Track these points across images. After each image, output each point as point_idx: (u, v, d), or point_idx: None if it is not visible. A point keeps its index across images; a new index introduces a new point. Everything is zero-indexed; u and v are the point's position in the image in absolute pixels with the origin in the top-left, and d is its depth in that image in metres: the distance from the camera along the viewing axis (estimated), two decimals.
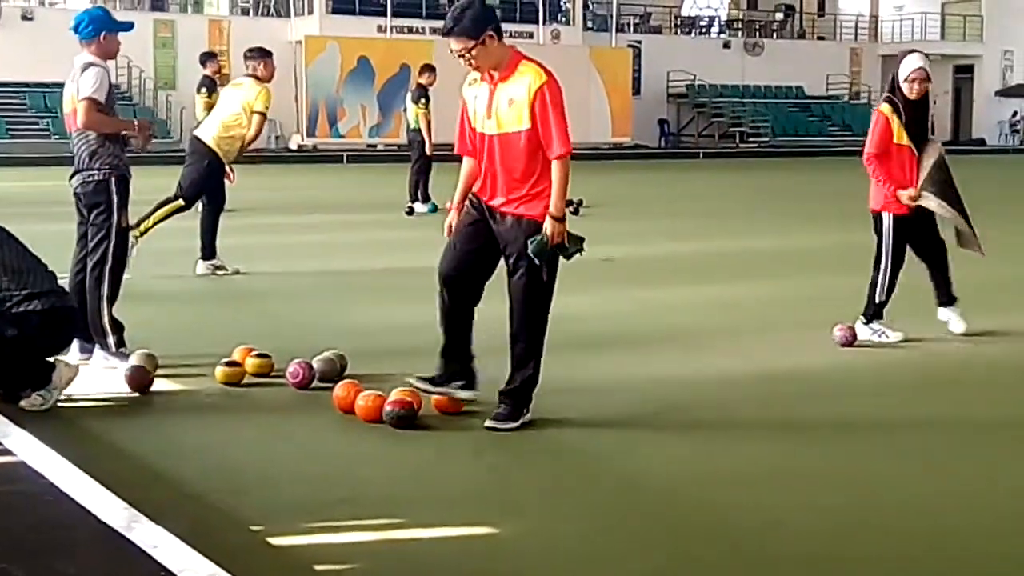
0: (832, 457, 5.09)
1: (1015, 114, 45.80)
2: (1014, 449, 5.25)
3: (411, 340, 6.99)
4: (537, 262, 5.25)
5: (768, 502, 4.47)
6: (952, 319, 7.52)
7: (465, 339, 5.49)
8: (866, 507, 4.41)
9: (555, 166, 5.26)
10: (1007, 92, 45.91)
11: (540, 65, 5.38)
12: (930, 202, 7.25)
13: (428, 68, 16.57)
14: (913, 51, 7.47)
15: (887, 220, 7.33)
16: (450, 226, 5.57)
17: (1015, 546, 4.07)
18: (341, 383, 5.67)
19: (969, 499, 4.55)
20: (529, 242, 5.22)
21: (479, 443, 5.20)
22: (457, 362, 5.48)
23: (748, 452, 5.15)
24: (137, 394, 5.82)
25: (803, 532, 4.17)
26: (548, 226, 5.23)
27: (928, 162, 7.25)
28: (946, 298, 7.54)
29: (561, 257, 5.33)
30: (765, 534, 4.14)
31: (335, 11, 34.66)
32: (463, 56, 5.31)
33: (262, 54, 9.91)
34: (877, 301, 7.40)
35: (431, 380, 5.44)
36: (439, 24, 32.53)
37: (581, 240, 5.40)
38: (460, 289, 5.44)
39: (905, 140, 7.21)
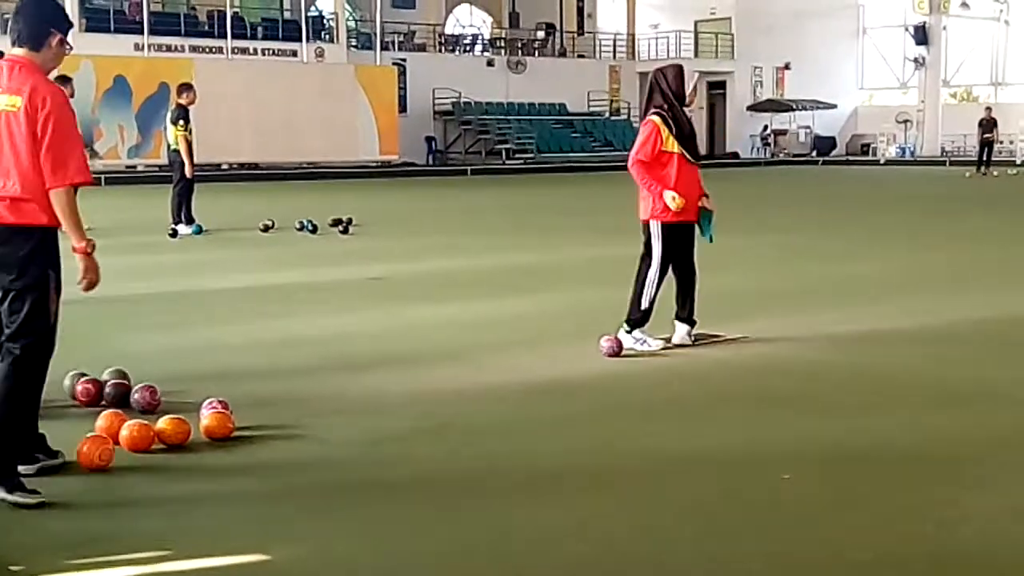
0: (600, 467, 5.17)
1: (765, 128, 47.99)
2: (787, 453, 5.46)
3: (174, 366, 6.79)
4: None
5: (546, 514, 4.51)
6: (680, 334, 7.74)
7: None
8: (639, 512, 4.49)
9: None
10: (758, 107, 48.07)
11: None
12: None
13: (187, 87, 16.18)
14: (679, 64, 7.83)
15: (656, 228, 7.57)
16: None
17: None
18: (104, 414, 5.46)
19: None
20: None
21: (248, 469, 5.08)
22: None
23: (525, 464, 5.19)
24: None
25: (579, 540, 4.22)
26: None
27: None
28: (687, 316, 7.78)
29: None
30: (543, 545, 4.17)
31: (89, 29, 33.39)
32: None
33: None
34: (642, 309, 7.61)
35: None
36: (199, 42, 31.98)
37: None
38: None
39: (676, 148, 7.50)
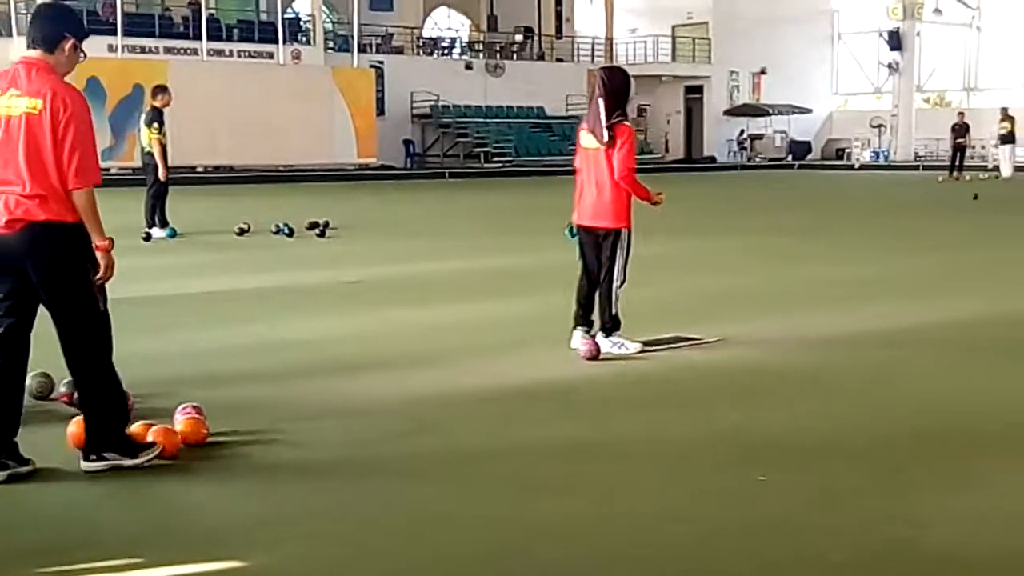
0: (584, 472, 5.16)
1: (742, 132, 48.15)
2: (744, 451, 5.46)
3: (148, 371, 6.73)
4: None
5: (529, 516, 4.49)
6: (578, 338, 7.70)
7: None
8: (604, 517, 4.48)
9: None
10: (734, 112, 48.22)
11: None
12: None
13: (161, 89, 16.09)
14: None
15: (624, 235, 7.60)
16: None
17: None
18: (76, 419, 5.40)
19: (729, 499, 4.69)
20: None
21: (224, 474, 5.04)
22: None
23: (506, 467, 5.17)
24: None
25: (558, 541, 4.20)
26: None
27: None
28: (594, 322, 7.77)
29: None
30: (526, 547, 4.15)
31: None
32: None
33: None
34: (614, 312, 7.61)
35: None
36: (173, 43, 31.89)
37: None
38: None
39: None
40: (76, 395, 5.40)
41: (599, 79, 7.61)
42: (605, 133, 7.48)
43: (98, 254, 4.99)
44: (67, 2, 5.39)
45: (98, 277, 5.00)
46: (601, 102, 7.51)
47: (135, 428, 5.29)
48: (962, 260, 13.49)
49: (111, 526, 4.44)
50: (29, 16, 5.35)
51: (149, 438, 5.20)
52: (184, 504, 4.73)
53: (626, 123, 7.55)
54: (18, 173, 4.85)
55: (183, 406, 5.59)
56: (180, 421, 5.45)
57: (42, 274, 4.90)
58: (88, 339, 5.02)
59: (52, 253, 4.90)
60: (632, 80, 7.67)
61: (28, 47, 5.02)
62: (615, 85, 7.57)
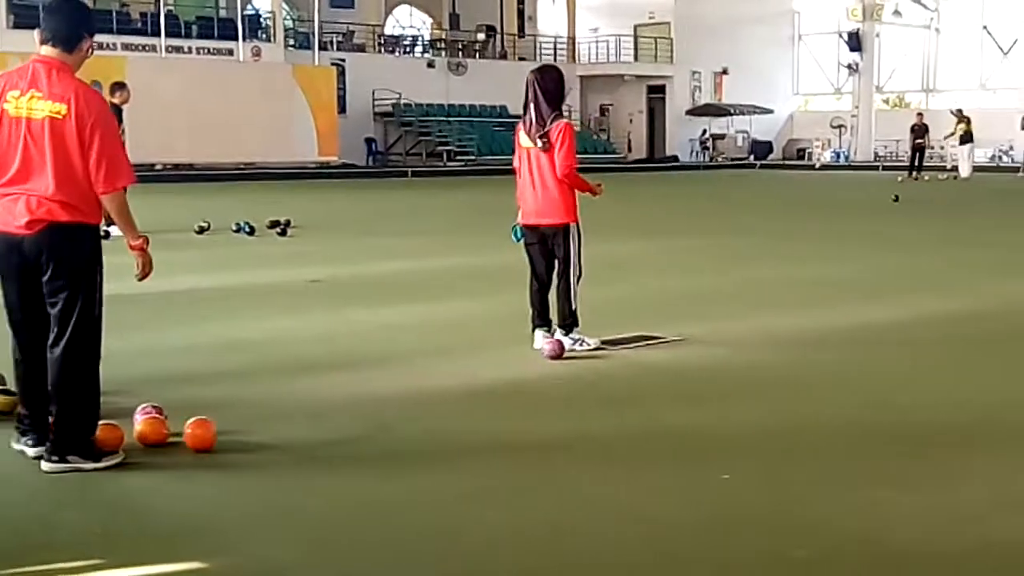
0: (547, 472, 5.15)
1: (704, 132, 48.34)
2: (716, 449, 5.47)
3: (108, 371, 6.66)
4: None
5: (494, 518, 4.47)
6: (540, 338, 7.71)
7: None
8: (566, 517, 4.48)
9: None
10: (696, 111, 48.38)
11: None
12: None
13: (120, 86, 15.91)
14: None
15: (574, 229, 7.64)
16: None
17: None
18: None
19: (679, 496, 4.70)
20: None
21: (185, 475, 5.00)
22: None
23: (469, 467, 5.15)
24: None
25: (523, 546, 4.19)
26: None
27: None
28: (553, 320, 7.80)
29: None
30: (486, 548, 4.14)
31: (17, 25, 32.84)
32: None
33: None
34: (573, 308, 7.63)
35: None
36: (131, 40, 31.50)
37: None
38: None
39: None
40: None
41: (533, 81, 7.60)
42: (542, 137, 7.51)
43: (134, 253, 5.15)
44: None
45: (138, 274, 5.19)
46: (532, 106, 7.55)
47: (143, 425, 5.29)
48: (923, 260, 13.59)
49: (70, 528, 4.39)
50: (44, 7, 5.23)
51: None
52: (145, 505, 4.68)
53: (563, 120, 7.60)
54: (43, 176, 4.86)
55: (143, 406, 5.54)
56: (139, 421, 5.40)
57: (59, 272, 4.92)
58: (83, 341, 5.01)
59: (72, 253, 4.95)
60: (565, 76, 7.74)
61: (43, 42, 4.99)
62: (549, 85, 7.59)
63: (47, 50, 4.99)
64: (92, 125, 4.87)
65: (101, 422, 5.22)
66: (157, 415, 5.45)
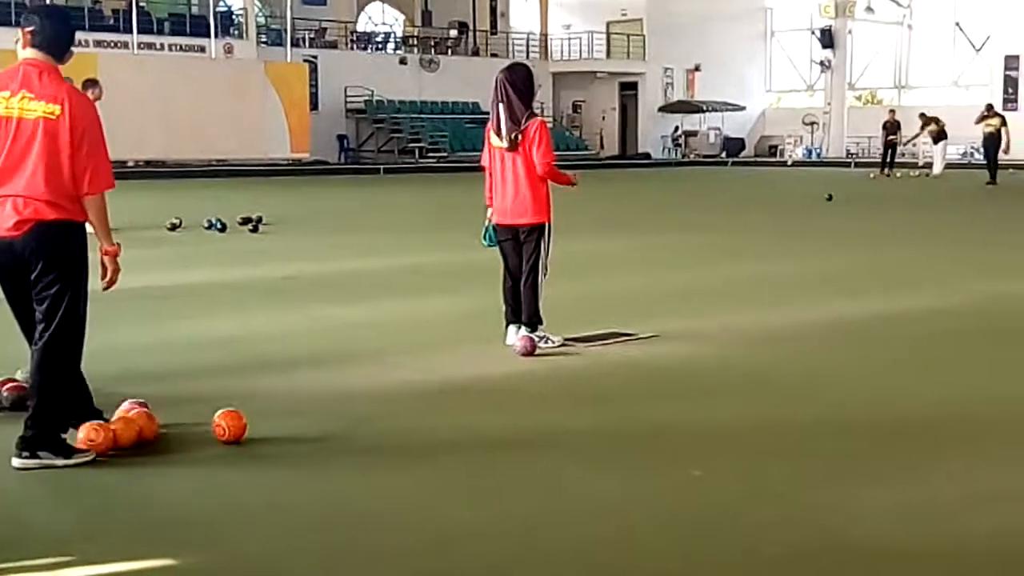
0: (522, 465, 5.15)
1: (676, 129, 48.44)
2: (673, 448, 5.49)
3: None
4: None
5: (458, 514, 4.47)
6: (512, 335, 7.72)
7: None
8: (536, 513, 4.48)
9: None
10: (669, 108, 48.48)
11: None
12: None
13: (92, 83, 15.77)
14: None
15: (547, 229, 7.66)
16: None
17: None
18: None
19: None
20: None
21: (159, 470, 4.98)
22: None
23: (439, 463, 5.15)
24: None
25: (496, 542, 4.19)
26: None
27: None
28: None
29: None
30: (457, 546, 4.14)
31: None
32: None
33: None
34: (539, 306, 7.66)
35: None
36: (103, 36, 31.32)
37: None
38: None
39: None
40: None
41: (503, 80, 7.59)
42: (514, 136, 7.51)
43: (106, 259, 5.16)
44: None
45: (105, 282, 5.15)
46: (502, 105, 7.55)
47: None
48: (895, 256, 13.65)
49: (42, 524, 4.37)
50: (30, 13, 5.26)
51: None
52: (118, 501, 4.66)
53: (537, 118, 7.62)
54: (29, 175, 4.94)
55: (129, 403, 5.55)
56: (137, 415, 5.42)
57: (46, 269, 4.97)
58: (65, 338, 5.05)
59: (60, 250, 5.01)
60: (534, 73, 7.77)
61: (30, 46, 5.07)
62: (520, 83, 7.60)
63: (34, 53, 5.09)
64: (84, 128, 4.98)
65: (122, 414, 5.31)
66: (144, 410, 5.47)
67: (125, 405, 5.53)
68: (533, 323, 7.67)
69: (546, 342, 7.64)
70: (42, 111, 4.95)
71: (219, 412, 5.42)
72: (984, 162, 29.79)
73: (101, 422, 5.26)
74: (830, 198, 22.71)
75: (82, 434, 5.14)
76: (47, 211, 4.97)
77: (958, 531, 4.29)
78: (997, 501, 4.65)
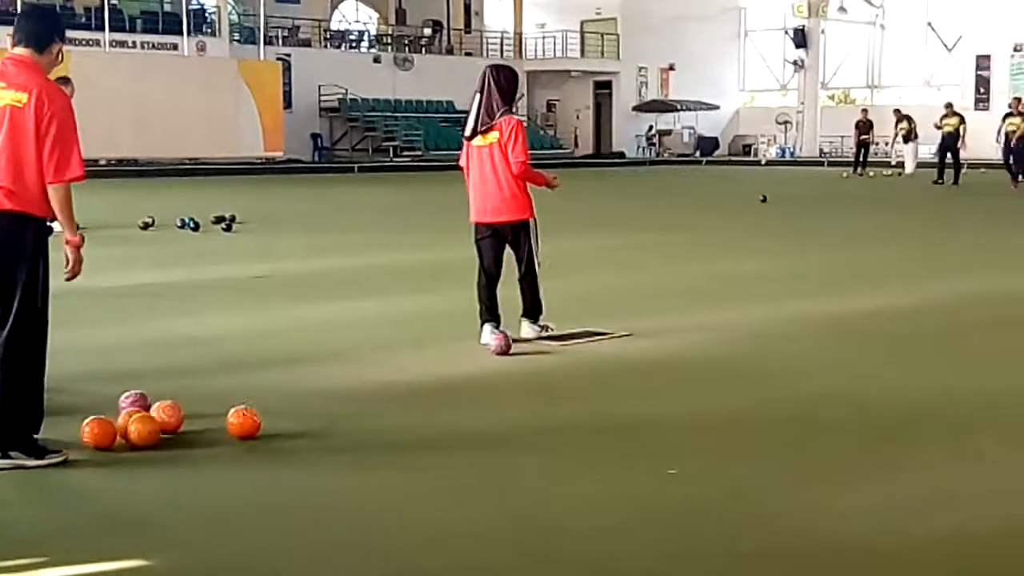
0: (494, 466, 5.15)
1: (651, 128, 48.54)
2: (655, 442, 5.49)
3: (52, 368, 6.58)
4: None
5: (442, 513, 4.46)
6: (487, 333, 7.72)
7: None
8: (513, 512, 4.48)
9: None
10: (643, 107, 48.59)
11: None
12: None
13: (64, 81, 15.63)
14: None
15: (532, 224, 7.71)
16: None
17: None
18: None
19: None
20: None
21: (131, 470, 4.95)
22: None
23: (410, 463, 5.14)
24: None
25: (472, 541, 4.18)
26: None
27: None
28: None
29: None
30: (427, 546, 4.13)
31: None
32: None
33: None
34: (540, 296, 7.79)
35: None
36: (75, 34, 31.16)
37: None
38: None
39: None
40: None
41: (488, 76, 7.63)
42: (485, 131, 7.54)
43: (68, 249, 5.11)
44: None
45: (66, 271, 5.11)
46: (481, 96, 7.57)
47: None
48: (868, 255, 13.71)
49: (17, 525, 4.34)
50: (18, 14, 5.33)
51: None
52: (93, 502, 4.64)
53: (512, 116, 7.62)
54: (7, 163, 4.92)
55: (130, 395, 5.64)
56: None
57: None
58: (24, 334, 4.99)
59: (12, 242, 4.95)
60: (510, 76, 7.77)
61: (15, 45, 5.11)
62: (503, 81, 7.64)
63: (19, 50, 5.12)
64: (50, 116, 4.94)
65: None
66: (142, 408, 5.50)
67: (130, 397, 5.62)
68: (535, 314, 7.80)
69: (547, 330, 7.79)
70: (10, 99, 4.94)
71: (232, 410, 5.45)
72: (936, 160, 29.75)
73: (174, 403, 5.43)
74: (764, 199, 22.20)
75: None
76: (3, 201, 4.93)
77: (929, 529, 4.29)
78: (961, 499, 4.67)
